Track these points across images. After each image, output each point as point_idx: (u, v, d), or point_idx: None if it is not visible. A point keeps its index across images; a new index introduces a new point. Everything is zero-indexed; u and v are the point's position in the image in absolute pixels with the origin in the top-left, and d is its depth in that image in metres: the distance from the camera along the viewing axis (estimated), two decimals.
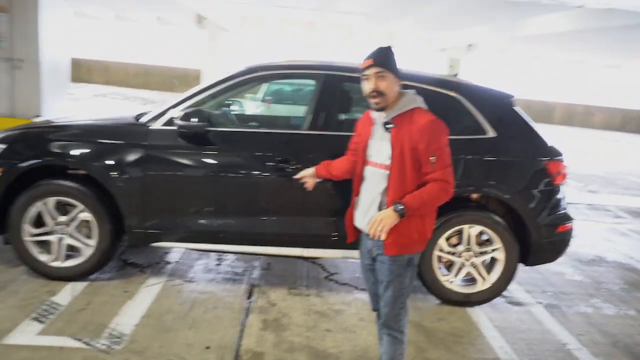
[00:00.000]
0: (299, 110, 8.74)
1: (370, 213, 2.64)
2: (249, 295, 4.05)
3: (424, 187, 2.53)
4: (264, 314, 3.78)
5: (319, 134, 3.94)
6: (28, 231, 3.93)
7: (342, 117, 4.18)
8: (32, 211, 3.90)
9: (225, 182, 3.92)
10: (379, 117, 2.65)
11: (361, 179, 2.73)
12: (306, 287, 4.29)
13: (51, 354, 3.05)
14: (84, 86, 23.43)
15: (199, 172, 3.91)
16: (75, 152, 3.88)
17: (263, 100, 10.64)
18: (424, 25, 18.97)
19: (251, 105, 9.65)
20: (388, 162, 2.56)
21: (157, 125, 3.93)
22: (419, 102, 2.65)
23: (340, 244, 3.89)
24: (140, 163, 3.85)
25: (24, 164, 3.86)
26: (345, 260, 4.91)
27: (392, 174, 2.55)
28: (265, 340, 3.42)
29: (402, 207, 2.48)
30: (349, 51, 27.55)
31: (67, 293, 3.83)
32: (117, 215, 3.94)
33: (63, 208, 3.98)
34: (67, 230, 3.95)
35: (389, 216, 2.48)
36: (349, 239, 2.86)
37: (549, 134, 4.30)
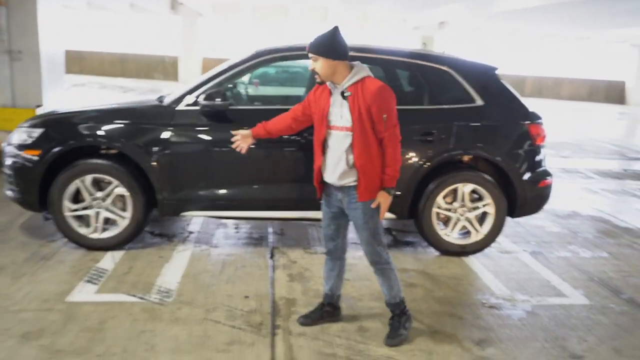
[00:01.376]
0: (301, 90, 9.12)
1: (338, 168, 3.09)
2: (271, 256, 4.54)
3: (385, 157, 3.05)
4: (288, 269, 4.27)
5: None
6: (68, 207, 4.34)
7: None
8: (71, 188, 4.31)
9: (246, 155, 4.35)
10: (334, 88, 3.07)
11: (323, 142, 3.17)
12: (319, 247, 4.80)
13: (113, 307, 3.50)
14: None
15: (220, 146, 4.34)
16: (110, 133, 4.29)
17: (250, 82, 11.04)
18: (399, 5, 19.41)
19: (242, 86, 10.00)
20: (349, 124, 3.01)
21: (182, 106, 4.35)
22: (367, 71, 3.08)
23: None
24: (169, 141, 4.28)
25: (62, 146, 4.26)
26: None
27: (355, 134, 3.00)
28: (294, 290, 3.92)
29: (390, 188, 3.09)
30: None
31: (108, 260, 4.26)
32: (148, 188, 4.38)
33: (97, 184, 4.39)
34: (103, 204, 4.37)
35: (386, 198, 3.09)
36: (319, 195, 3.35)
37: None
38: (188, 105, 4.35)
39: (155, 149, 4.27)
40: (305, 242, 4.92)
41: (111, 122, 4.34)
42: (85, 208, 4.38)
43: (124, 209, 4.40)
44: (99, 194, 4.36)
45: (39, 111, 7.27)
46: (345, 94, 3.02)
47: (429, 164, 4.45)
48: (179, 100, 4.40)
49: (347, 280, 4.09)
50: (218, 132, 4.34)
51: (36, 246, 4.46)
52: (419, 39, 25.90)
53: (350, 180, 3.09)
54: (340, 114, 3.06)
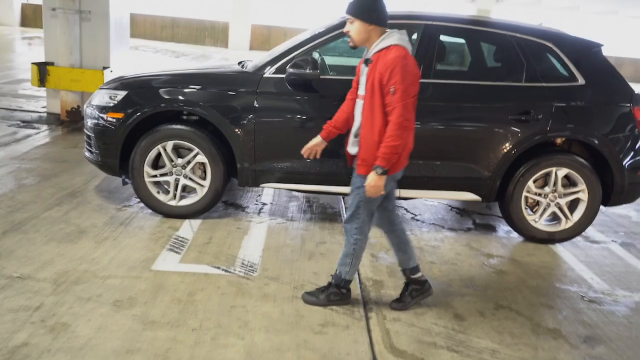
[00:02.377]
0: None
1: (354, 137, 3.03)
2: None
3: (384, 136, 2.78)
4: (369, 248, 4.11)
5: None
6: (148, 172, 4.27)
7: (439, 66, 4.41)
8: (152, 154, 4.23)
9: None
10: (365, 55, 2.96)
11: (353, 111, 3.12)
12: None
13: (199, 279, 3.42)
14: None
15: (306, 117, 4.18)
16: (193, 98, 4.17)
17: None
18: None
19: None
20: (364, 93, 2.89)
21: (268, 73, 4.19)
22: (397, 40, 2.83)
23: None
24: (254, 108, 4.13)
25: (145, 110, 4.16)
26: (424, 203, 5.24)
27: (365, 102, 2.88)
28: (380, 270, 3.77)
29: (380, 168, 2.80)
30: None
31: (187, 228, 4.19)
32: (228, 157, 4.27)
33: (176, 151, 4.30)
34: (183, 172, 4.29)
35: (376, 180, 2.82)
36: (349, 163, 3.21)
37: None
38: (274, 72, 4.19)
39: (239, 116, 4.14)
40: None
41: (195, 87, 4.21)
42: (164, 174, 4.32)
43: (203, 177, 4.32)
44: (179, 161, 4.27)
45: (107, 73, 7.24)
46: (368, 63, 2.89)
47: (523, 145, 4.20)
48: (264, 67, 4.23)
49: (433, 263, 3.93)
50: (305, 102, 4.17)
51: (113, 210, 4.43)
52: (474, 12, 25.04)
53: (357, 150, 3.00)
54: (362, 82, 2.97)
